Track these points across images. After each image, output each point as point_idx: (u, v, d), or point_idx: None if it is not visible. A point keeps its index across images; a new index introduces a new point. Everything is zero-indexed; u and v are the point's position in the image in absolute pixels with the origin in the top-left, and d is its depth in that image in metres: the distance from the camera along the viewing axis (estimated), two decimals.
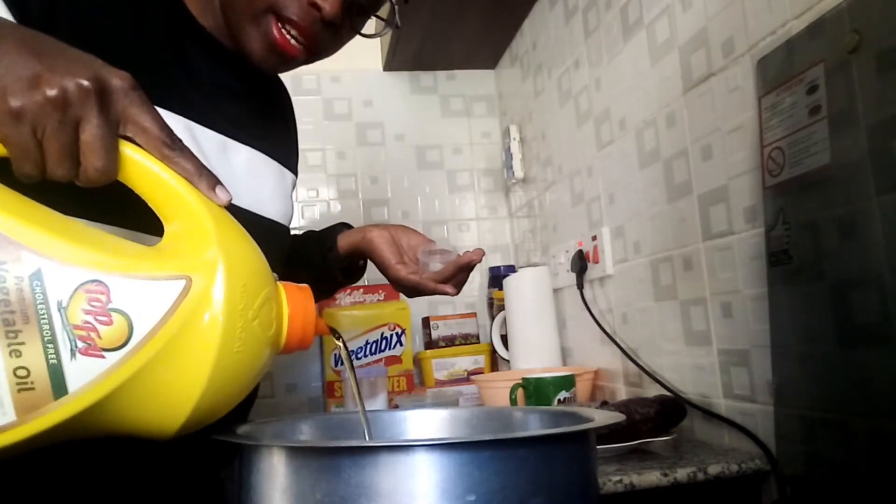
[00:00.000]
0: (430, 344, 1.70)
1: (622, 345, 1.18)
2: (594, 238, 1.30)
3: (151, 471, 0.66)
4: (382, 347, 1.54)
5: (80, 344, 0.38)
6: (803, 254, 0.72)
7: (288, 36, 0.69)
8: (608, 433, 0.85)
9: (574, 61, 1.39)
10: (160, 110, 0.52)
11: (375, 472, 0.38)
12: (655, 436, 0.88)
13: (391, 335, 1.55)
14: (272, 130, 0.83)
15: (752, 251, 0.85)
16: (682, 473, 0.79)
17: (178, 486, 0.70)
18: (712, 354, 0.95)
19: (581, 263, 1.33)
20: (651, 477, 0.78)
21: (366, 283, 1.72)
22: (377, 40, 1.86)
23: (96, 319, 0.38)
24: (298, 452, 0.41)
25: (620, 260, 1.22)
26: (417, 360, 1.67)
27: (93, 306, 0.38)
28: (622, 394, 1.22)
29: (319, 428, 0.61)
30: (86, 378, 0.38)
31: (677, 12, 0.99)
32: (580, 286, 1.33)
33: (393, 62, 1.82)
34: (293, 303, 0.47)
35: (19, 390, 0.37)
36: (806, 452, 0.73)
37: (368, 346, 1.53)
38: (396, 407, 1.22)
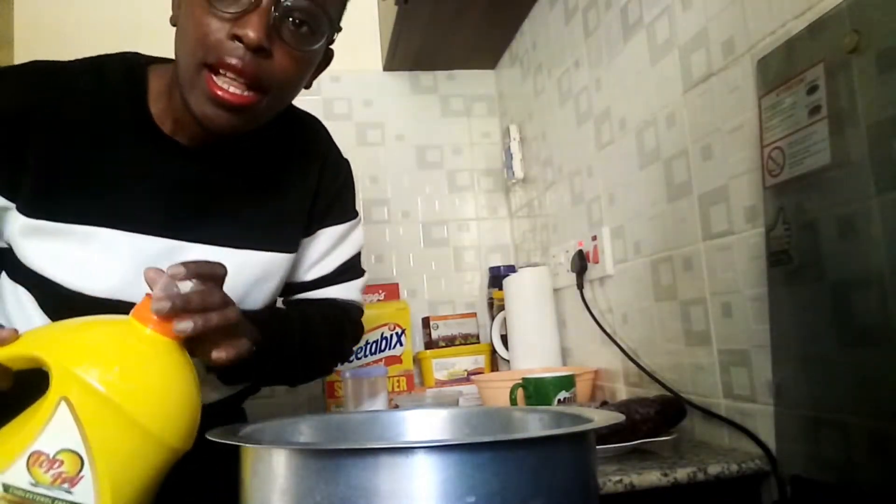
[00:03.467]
0: (430, 344, 1.70)
1: (622, 345, 1.18)
2: (594, 238, 1.30)
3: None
4: (382, 347, 1.54)
5: (65, 485, 0.50)
6: (803, 254, 0.72)
7: (225, 84, 0.67)
8: (608, 433, 0.85)
9: (574, 61, 1.38)
10: (98, 229, 0.71)
11: (375, 473, 0.38)
12: (655, 436, 0.88)
13: (391, 335, 1.55)
14: (249, 215, 0.82)
15: (752, 251, 0.85)
16: (682, 473, 0.79)
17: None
18: (712, 354, 0.95)
19: (581, 263, 1.33)
20: (651, 477, 0.78)
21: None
22: (377, 39, 1.86)
23: (53, 468, 0.49)
24: (298, 454, 0.41)
25: (620, 260, 1.22)
26: (417, 360, 1.67)
27: (43, 466, 0.49)
28: (622, 394, 1.22)
29: (319, 428, 0.61)
30: (90, 491, 0.50)
31: (677, 12, 0.99)
32: (580, 286, 1.33)
33: (393, 62, 1.81)
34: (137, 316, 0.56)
35: None
36: (806, 452, 0.73)
37: (368, 346, 1.53)
38: (396, 407, 1.22)
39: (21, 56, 1.73)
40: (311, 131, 0.93)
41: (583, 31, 1.33)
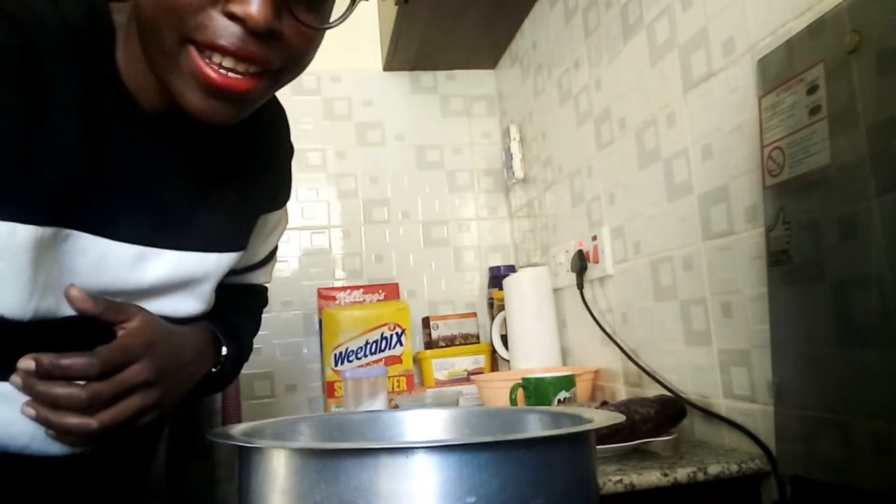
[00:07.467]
0: (430, 344, 1.70)
1: (622, 345, 1.18)
2: (594, 238, 1.30)
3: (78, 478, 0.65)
4: (382, 347, 1.54)
5: None
6: (803, 254, 0.72)
7: (218, 67, 0.51)
8: (608, 433, 0.85)
9: (574, 61, 1.38)
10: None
11: (375, 473, 0.37)
12: (655, 436, 0.88)
13: (391, 335, 1.55)
14: (216, 210, 0.70)
15: (752, 251, 0.85)
16: (682, 473, 0.79)
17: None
18: (712, 354, 0.95)
19: (581, 263, 1.33)
20: (651, 477, 0.78)
21: (366, 283, 1.73)
22: (377, 39, 1.86)
23: None
24: (298, 454, 0.41)
25: (620, 260, 1.22)
26: (417, 360, 1.67)
27: None
28: (622, 394, 1.22)
29: (319, 428, 0.60)
30: None
31: (677, 12, 0.99)
32: (580, 286, 1.32)
33: (393, 62, 1.81)
34: None
35: None
36: (806, 452, 0.73)
37: (368, 346, 1.53)
38: (396, 407, 1.22)
39: None
40: (280, 119, 0.80)
41: (583, 31, 1.33)
